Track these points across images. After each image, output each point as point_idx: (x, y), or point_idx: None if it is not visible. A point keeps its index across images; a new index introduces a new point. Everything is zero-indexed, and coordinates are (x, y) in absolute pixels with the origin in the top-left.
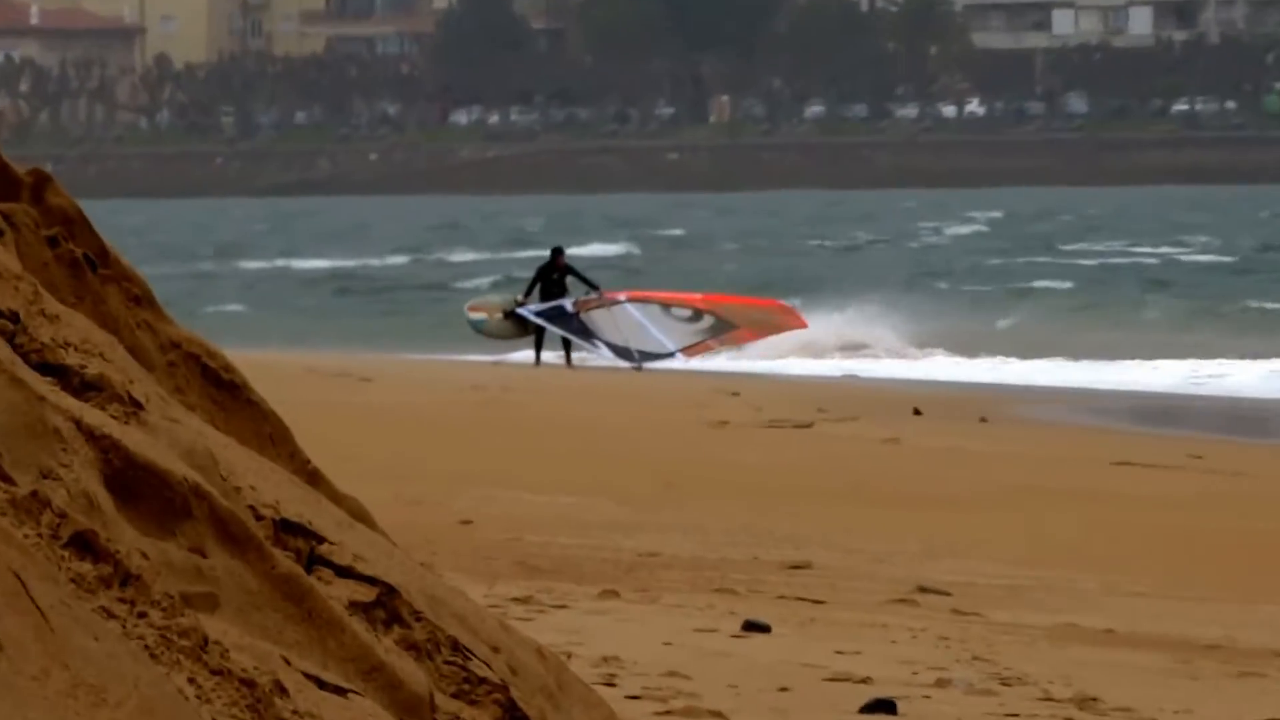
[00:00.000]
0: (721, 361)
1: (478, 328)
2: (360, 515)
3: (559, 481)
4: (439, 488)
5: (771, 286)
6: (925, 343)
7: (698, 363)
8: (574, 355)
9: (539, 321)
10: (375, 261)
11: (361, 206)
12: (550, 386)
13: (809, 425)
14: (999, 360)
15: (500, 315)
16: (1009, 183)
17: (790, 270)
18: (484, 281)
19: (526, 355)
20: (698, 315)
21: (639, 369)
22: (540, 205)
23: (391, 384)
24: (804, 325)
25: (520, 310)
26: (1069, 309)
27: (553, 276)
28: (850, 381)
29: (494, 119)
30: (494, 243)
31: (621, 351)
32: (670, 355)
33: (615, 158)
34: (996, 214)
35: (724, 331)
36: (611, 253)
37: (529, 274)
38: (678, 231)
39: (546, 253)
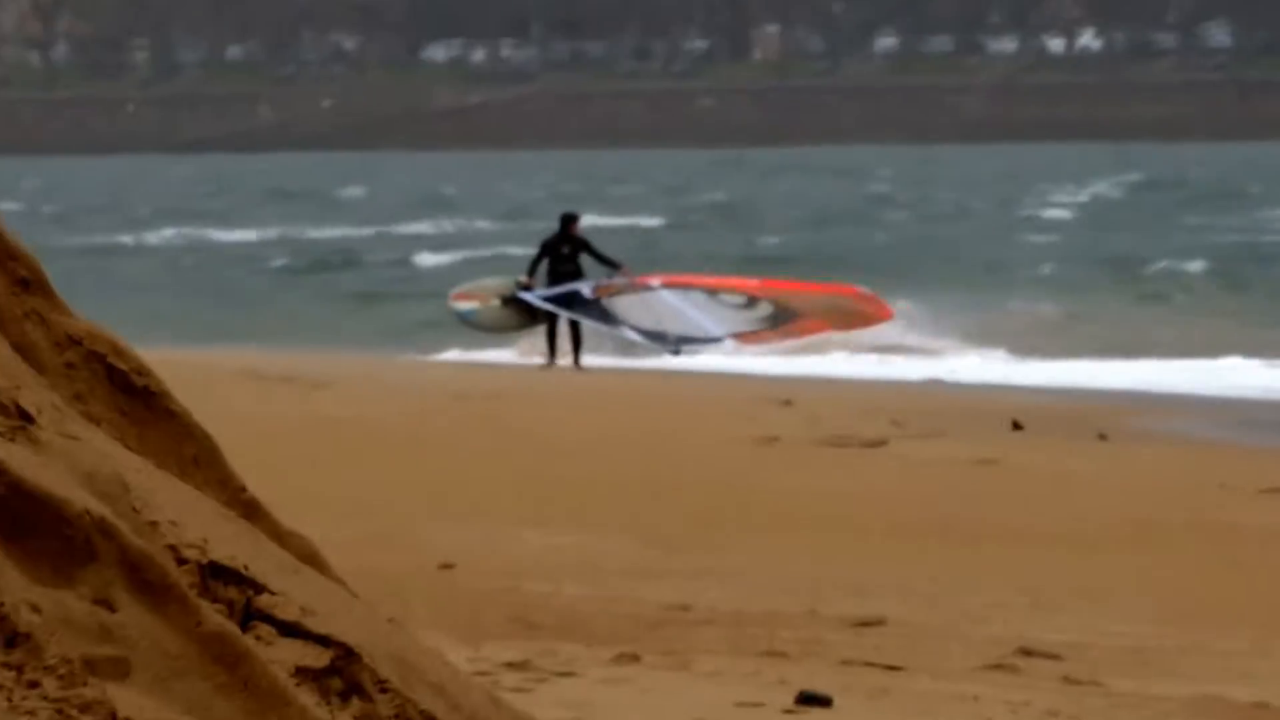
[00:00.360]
0: (770, 362)
1: (467, 319)
2: (311, 557)
3: (566, 515)
4: (413, 522)
5: (830, 269)
6: (1025, 345)
7: (743, 362)
8: (585, 352)
9: (549, 308)
10: (331, 235)
11: (312, 165)
12: (554, 394)
13: (881, 443)
14: (1114, 361)
15: (498, 301)
16: (1132, 136)
17: (856, 247)
18: (458, 258)
19: (506, 356)
20: (752, 303)
21: (676, 353)
22: (540, 164)
23: (351, 391)
24: (889, 316)
25: (524, 295)
26: (1204, 296)
27: (562, 252)
28: (934, 388)
29: (479, 55)
30: (481, 211)
31: (654, 336)
32: (717, 341)
33: (634, 104)
34: (1124, 177)
35: (786, 321)
36: (630, 225)
37: (529, 251)
38: (715, 196)
39: (554, 223)
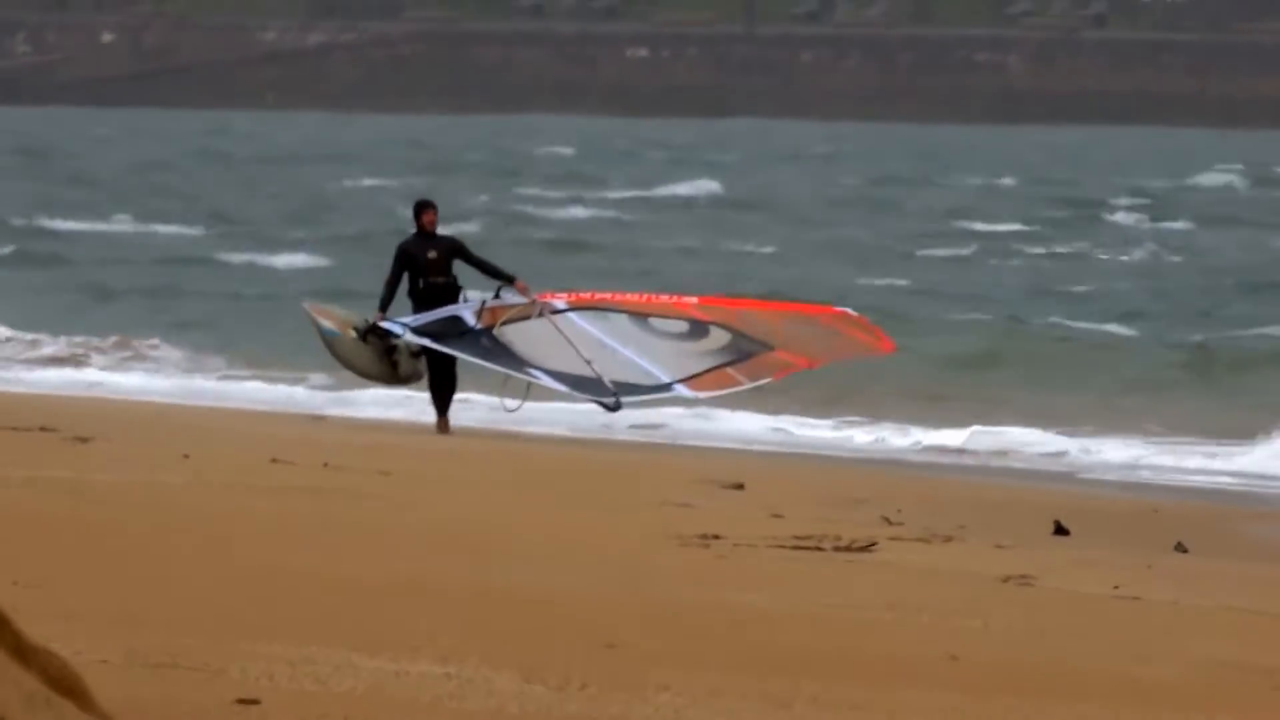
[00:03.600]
0: (707, 422)
1: (328, 339)
2: (67, 685)
3: (418, 635)
4: (204, 639)
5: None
6: (1076, 416)
7: (674, 423)
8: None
9: (421, 342)
10: (101, 226)
11: (83, 124)
12: (416, 466)
13: (867, 547)
14: (1212, 446)
15: (352, 334)
16: (1250, 121)
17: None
18: (287, 262)
19: (352, 409)
20: (698, 330)
21: (615, 408)
22: (407, 133)
23: (126, 447)
24: (890, 348)
25: (386, 324)
26: None
27: (427, 258)
28: (950, 468)
29: None
30: (321, 202)
31: (583, 384)
32: (665, 389)
33: (540, 55)
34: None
35: (752, 355)
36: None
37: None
38: (644, 192)
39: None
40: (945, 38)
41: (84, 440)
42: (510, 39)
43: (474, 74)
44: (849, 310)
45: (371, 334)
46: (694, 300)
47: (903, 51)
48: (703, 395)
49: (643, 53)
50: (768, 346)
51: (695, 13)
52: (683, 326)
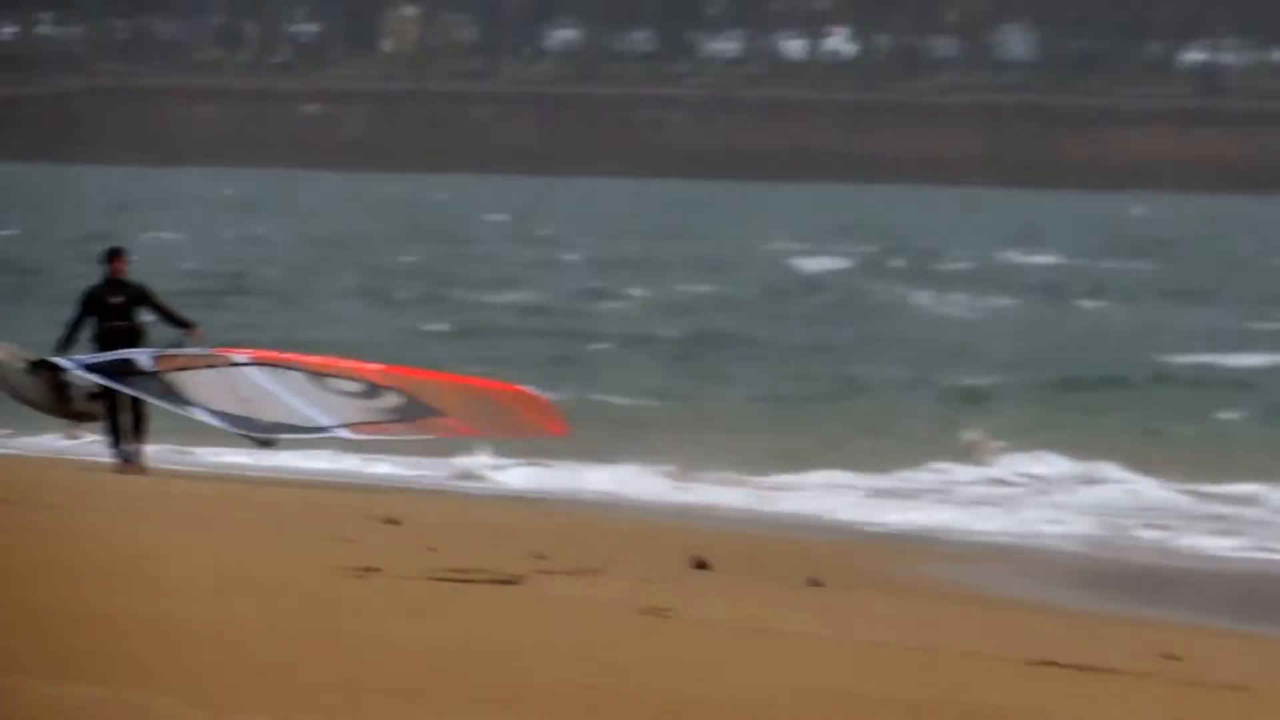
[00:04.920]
0: (378, 463)
1: None
2: None
3: (68, 661)
4: None
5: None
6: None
7: (339, 464)
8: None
9: (92, 378)
10: None
11: None
12: (90, 500)
13: (515, 580)
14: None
15: (23, 364)
16: (891, 176)
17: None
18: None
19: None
20: (373, 391)
21: (267, 444)
22: (324, 195)
23: None
24: (561, 431)
25: (58, 360)
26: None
27: (111, 303)
28: (594, 510)
29: (6, 32)
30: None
31: (236, 421)
32: (322, 431)
33: (216, 110)
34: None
35: (420, 417)
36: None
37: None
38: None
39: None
40: (609, 96)
41: None
42: (189, 93)
43: (143, 129)
44: (528, 390)
45: (42, 366)
46: (377, 368)
47: (568, 108)
48: (362, 438)
49: (313, 109)
50: (438, 413)
51: (369, 67)
52: (358, 387)
